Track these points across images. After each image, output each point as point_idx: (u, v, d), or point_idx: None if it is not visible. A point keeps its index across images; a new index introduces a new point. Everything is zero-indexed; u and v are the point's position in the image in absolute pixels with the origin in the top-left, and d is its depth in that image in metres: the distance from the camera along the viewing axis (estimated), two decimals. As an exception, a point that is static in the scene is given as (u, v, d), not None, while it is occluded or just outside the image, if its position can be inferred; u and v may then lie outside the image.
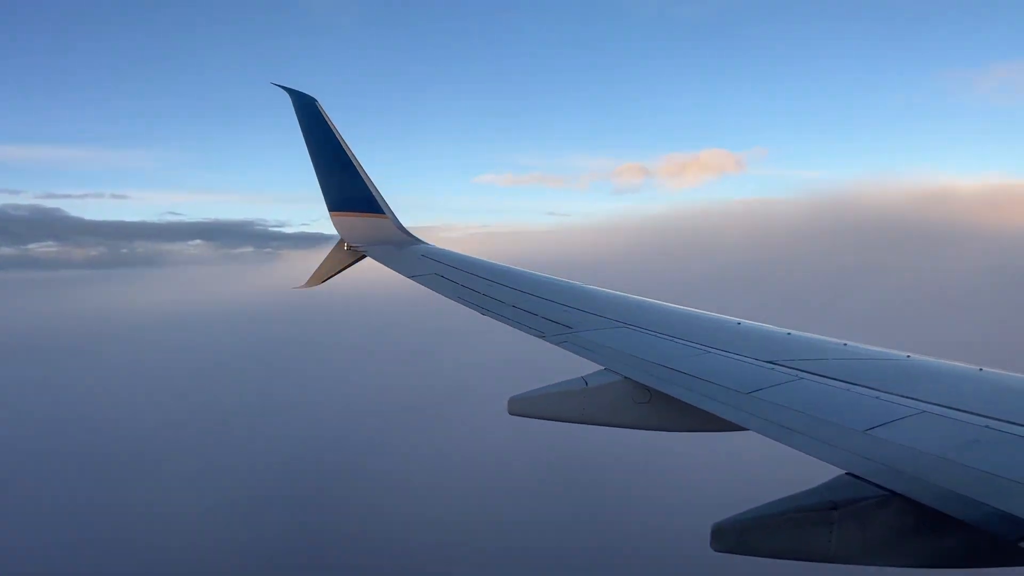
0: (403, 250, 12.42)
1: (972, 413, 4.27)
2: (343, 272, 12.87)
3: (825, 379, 5.19)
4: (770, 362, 5.67)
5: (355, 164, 12.91)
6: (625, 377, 5.76)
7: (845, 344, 6.22)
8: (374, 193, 13.03)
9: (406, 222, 13.30)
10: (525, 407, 5.82)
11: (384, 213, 13.07)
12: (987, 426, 4.06)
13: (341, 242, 12.76)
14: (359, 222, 12.86)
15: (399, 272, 11.02)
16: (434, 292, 9.76)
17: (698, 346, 6.37)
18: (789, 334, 6.64)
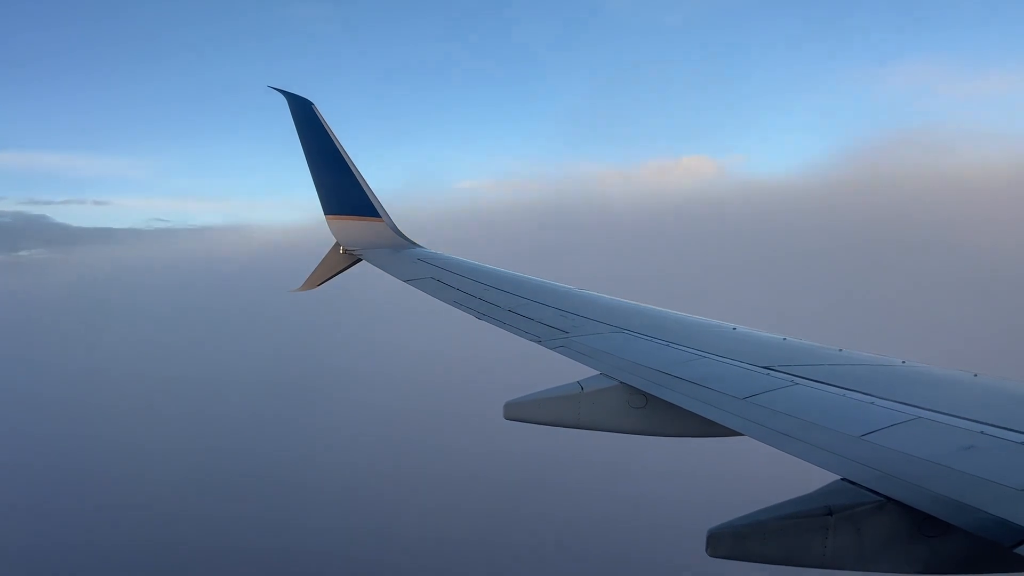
0: (399, 254, 12.39)
1: (967, 419, 4.27)
2: (339, 275, 12.84)
3: (820, 385, 5.19)
4: (766, 368, 5.67)
5: (351, 167, 12.90)
6: (621, 382, 5.76)
7: (840, 350, 6.23)
8: (370, 196, 13.00)
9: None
10: (521, 412, 5.80)
11: (380, 216, 13.05)
12: (982, 432, 4.06)
13: (337, 245, 12.72)
14: (355, 225, 12.83)
15: (395, 276, 11.00)
16: (430, 296, 9.75)
17: (694, 351, 6.37)
18: (785, 339, 6.65)
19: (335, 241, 12.78)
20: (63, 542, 49.91)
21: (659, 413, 5.55)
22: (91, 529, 51.45)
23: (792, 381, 5.31)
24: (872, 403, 4.72)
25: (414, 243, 13.06)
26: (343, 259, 12.62)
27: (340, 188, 12.88)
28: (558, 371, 6.38)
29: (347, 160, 12.85)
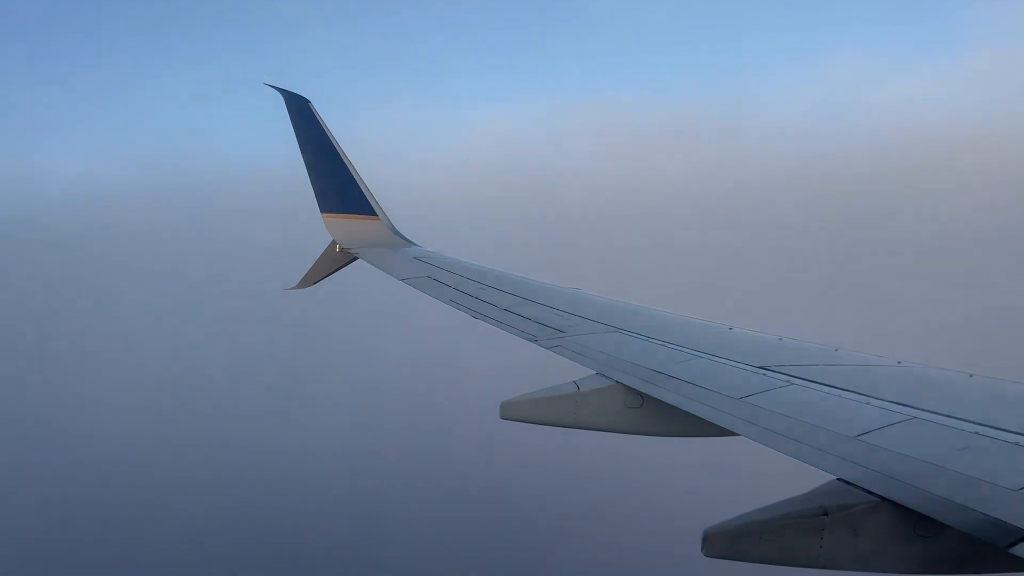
0: (396, 252, 12.40)
1: (962, 419, 4.27)
2: (335, 274, 12.85)
3: (816, 385, 5.20)
4: (761, 368, 5.68)
5: (348, 165, 12.90)
6: (617, 382, 5.76)
7: (836, 350, 6.24)
8: (367, 195, 13.00)
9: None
10: (517, 412, 5.80)
11: (377, 215, 13.06)
12: (977, 432, 4.06)
13: (333, 244, 12.72)
14: (351, 223, 12.84)
15: (391, 275, 11.01)
16: (427, 295, 9.77)
17: (690, 351, 6.38)
18: (780, 340, 6.66)
19: (331, 239, 12.79)
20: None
21: (655, 413, 5.56)
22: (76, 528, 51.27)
23: (788, 381, 5.32)
24: (868, 403, 4.73)
25: (411, 242, 13.07)
26: (339, 257, 12.62)
27: (337, 186, 12.88)
28: (554, 370, 6.38)
29: (344, 158, 12.85)
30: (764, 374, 5.53)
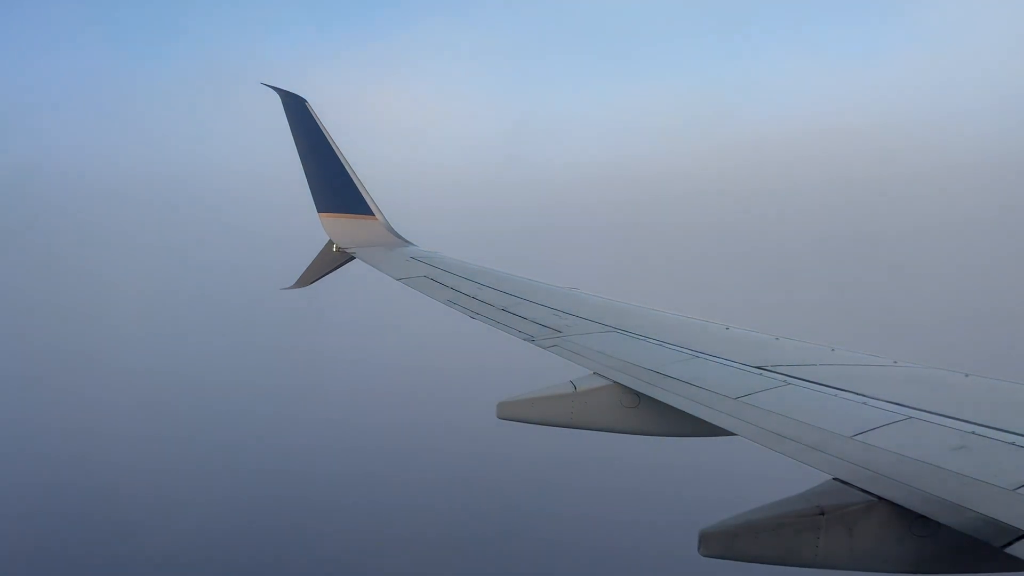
0: (392, 252, 12.40)
1: (958, 419, 4.29)
2: (332, 273, 12.84)
3: (813, 385, 5.21)
4: (758, 367, 5.69)
5: (345, 165, 12.89)
6: (614, 382, 5.76)
7: (833, 350, 6.25)
8: (364, 194, 13.00)
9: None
10: (514, 411, 5.81)
11: (374, 214, 13.06)
12: (973, 432, 4.08)
13: (330, 243, 12.72)
14: (348, 223, 12.83)
15: (388, 275, 11.00)
16: (424, 295, 9.77)
17: (687, 351, 6.38)
18: (777, 339, 6.68)
19: (328, 239, 12.78)
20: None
21: (651, 413, 5.56)
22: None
23: (784, 381, 5.32)
24: (864, 403, 4.74)
25: (408, 241, 13.08)
26: (336, 257, 12.61)
27: (334, 185, 12.87)
28: (551, 370, 6.38)
29: (341, 157, 12.84)
30: (761, 374, 5.54)
